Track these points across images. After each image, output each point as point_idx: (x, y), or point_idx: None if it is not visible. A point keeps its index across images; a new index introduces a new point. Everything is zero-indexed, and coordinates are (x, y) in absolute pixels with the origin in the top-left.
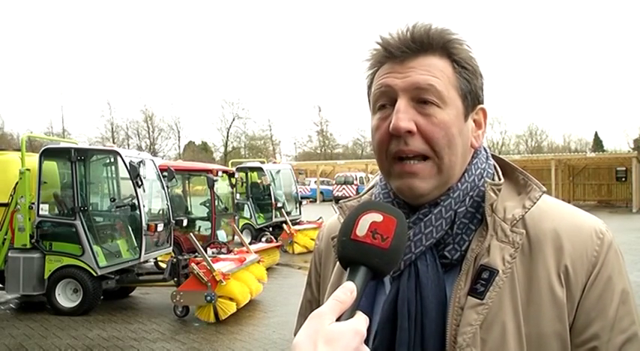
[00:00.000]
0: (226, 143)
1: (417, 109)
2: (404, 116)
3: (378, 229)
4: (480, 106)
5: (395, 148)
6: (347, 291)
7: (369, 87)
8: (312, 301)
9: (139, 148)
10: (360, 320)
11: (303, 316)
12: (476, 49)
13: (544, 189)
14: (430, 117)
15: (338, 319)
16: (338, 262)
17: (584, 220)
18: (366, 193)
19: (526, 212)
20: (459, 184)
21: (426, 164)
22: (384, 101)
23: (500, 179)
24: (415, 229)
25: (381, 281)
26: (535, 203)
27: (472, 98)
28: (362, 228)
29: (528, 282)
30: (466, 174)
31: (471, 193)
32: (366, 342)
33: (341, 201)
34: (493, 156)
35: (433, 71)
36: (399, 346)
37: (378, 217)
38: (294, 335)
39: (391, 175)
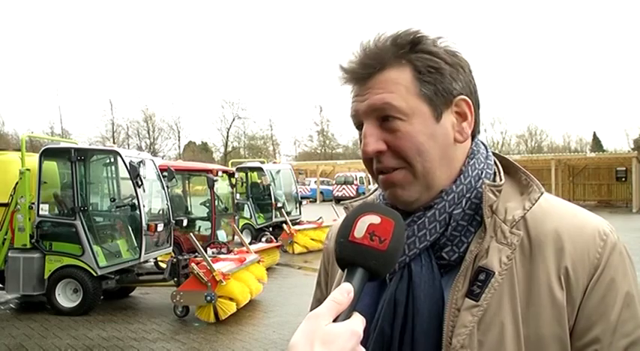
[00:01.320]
0: (226, 143)
1: (383, 127)
2: (370, 139)
3: (375, 231)
4: (459, 97)
5: (375, 166)
6: (344, 292)
7: None
8: (322, 300)
9: (139, 148)
10: (357, 321)
11: None
12: (475, 49)
13: (542, 190)
14: (395, 132)
15: (335, 320)
16: None
17: (587, 221)
18: (371, 194)
19: (525, 213)
20: (453, 186)
21: (399, 172)
22: (356, 124)
23: (501, 179)
24: (408, 232)
25: (384, 282)
26: (534, 204)
27: (442, 96)
28: (360, 230)
29: (528, 284)
30: (461, 175)
31: (467, 195)
32: (365, 343)
33: (347, 201)
34: (497, 155)
35: (388, 87)
36: (386, 347)
37: (375, 219)
38: None
39: (380, 186)
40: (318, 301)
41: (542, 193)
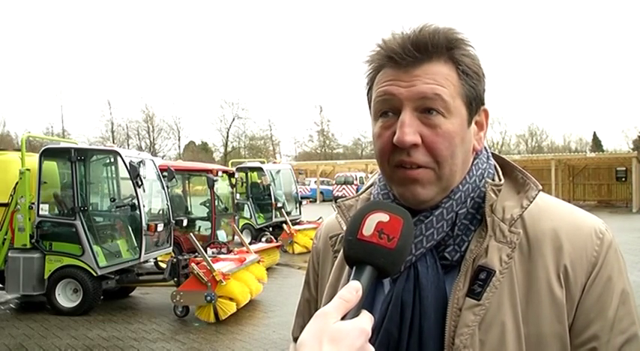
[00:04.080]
0: (226, 143)
1: (422, 120)
2: (409, 130)
3: (384, 229)
4: (483, 107)
5: (397, 158)
6: (352, 290)
7: (369, 89)
8: (310, 300)
9: (139, 148)
10: (366, 319)
11: (300, 315)
12: (476, 49)
13: (540, 187)
14: (435, 128)
15: (343, 318)
16: (336, 261)
17: (583, 220)
18: (364, 192)
19: (523, 211)
20: (460, 185)
21: (426, 171)
22: (386, 109)
23: (500, 179)
24: (416, 231)
25: (380, 281)
26: (532, 202)
27: (476, 103)
28: (368, 228)
29: (527, 282)
30: (467, 175)
31: (472, 195)
32: (371, 341)
33: (339, 200)
34: (493, 155)
35: (439, 80)
36: (393, 348)
37: (384, 217)
38: (292, 335)
39: (393, 181)
40: (306, 300)
41: (539, 191)
